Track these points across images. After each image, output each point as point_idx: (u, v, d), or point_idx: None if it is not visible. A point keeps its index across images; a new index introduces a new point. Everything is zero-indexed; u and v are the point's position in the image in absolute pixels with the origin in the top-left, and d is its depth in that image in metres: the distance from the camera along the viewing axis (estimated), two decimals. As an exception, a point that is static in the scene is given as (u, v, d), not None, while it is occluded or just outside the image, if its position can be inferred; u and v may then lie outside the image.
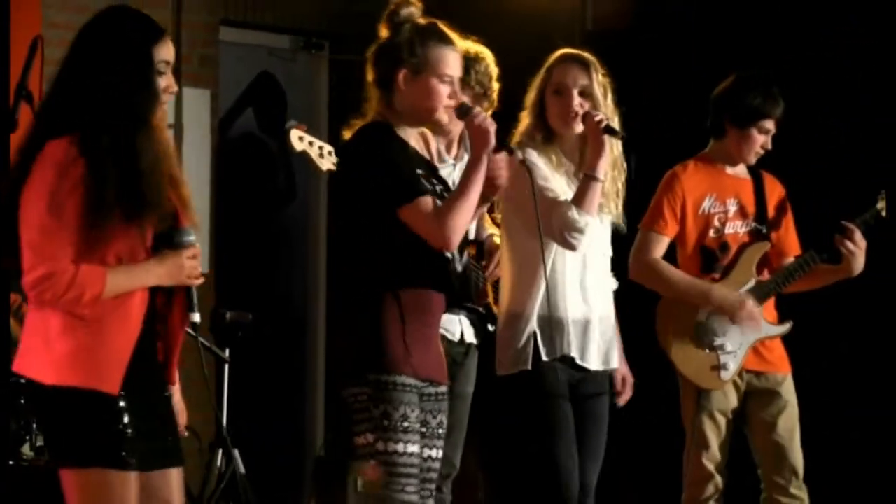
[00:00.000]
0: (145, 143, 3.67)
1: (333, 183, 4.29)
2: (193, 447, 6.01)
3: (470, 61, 5.13)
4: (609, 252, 4.87)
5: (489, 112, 5.19)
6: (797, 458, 5.32)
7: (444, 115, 4.24)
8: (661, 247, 5.30)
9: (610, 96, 4.77)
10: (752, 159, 5.38)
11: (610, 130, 4.66)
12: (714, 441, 5.29)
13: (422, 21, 4.22)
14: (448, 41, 4.20)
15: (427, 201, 4.08)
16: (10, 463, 5.44)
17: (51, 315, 3.65)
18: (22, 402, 5.58)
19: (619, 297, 4.99)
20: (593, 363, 4.78)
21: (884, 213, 5.33)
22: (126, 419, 3.66)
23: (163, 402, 3.83)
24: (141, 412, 3.70)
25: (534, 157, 4.73)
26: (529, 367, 4.68)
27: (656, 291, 5.36)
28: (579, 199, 4.63)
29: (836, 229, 5.26)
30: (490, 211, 5.09)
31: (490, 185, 4.22)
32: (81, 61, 3.70)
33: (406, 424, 4.09)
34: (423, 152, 4.36)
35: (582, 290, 4.76)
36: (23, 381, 3.71)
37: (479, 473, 5.43)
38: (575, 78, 4.74)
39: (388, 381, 4.10)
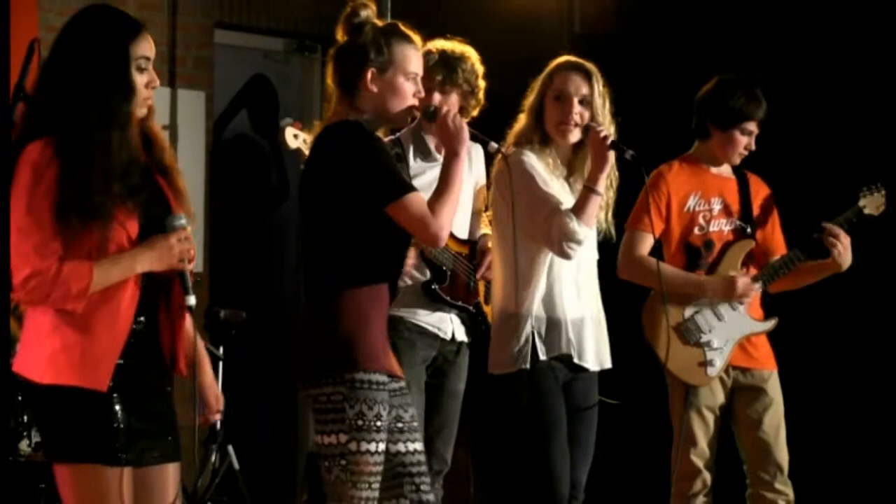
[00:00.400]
0: (119, 140, 3.66)
1: (305, 180, 4.19)
2: (188, 443, 6.04)
3: (456, 60, 5.20)
4: (596, 255, 4.92)
5: (476, 110, 5.27)
6: (782, 454, 5.35)
7: (407, 114, 4.24)
8: (647, 244, 5.33)
9: (608, 106, 4.80)
10: (737, 160, 5.41)
11: (617, 147, 4.67)
12: (702, 437, 5.31)
13: (380, 22, 4.24)
14: (411, 40, 4.22)
15: (418, 197, 4.09)
16: (9, 459, 5.48)
17: (41, 315, 3.66)
18: (20, 398, 5.66)
19: (608, 296, 5.02)
20: (590, 362, 4.82)
21: (866, 211, 5.35)
22: (118, 414, 3.67)
23: (161, 398, 3.83)
24: (135, 407, 3.71)
25: (533, 160, 4.77)
26: (528, 366, 4.71)
27: (646, 286, 5.38)
28: (579, 211, 4.66)
29: (817, 229, 5.29)
30: (487, 209, 5.15)
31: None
32: (60, 62, 3.71)
33: (379, 423, 4.07)
34: None
35: (577, 289, 4.81)
36: (20, 379, 3.71)
37: (470, 470, 5.45)
38: (577, 86, 4.78)
39: (364, 380, 4.07)
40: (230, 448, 6.44)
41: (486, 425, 5.29)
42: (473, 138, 4.34)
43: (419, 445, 4.22)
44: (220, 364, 6.48)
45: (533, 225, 4.66)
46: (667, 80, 6.66)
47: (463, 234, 5.37)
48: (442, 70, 5.21)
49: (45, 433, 3.76)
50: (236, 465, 6.43)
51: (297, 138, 5.25)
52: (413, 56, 4.21)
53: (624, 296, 5.35)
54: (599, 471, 5.00)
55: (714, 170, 5.45)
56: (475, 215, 5.39)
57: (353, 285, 4.08)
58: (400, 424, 4.18)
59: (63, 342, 3.64)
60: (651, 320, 5.39)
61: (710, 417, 5.34)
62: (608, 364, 4.89)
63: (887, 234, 5.88)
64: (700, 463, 5.32)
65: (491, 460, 5.05)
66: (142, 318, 3.74)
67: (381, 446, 4.08)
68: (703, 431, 5.32)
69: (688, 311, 5.34)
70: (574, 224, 4.64)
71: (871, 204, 5.37)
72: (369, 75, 4.15)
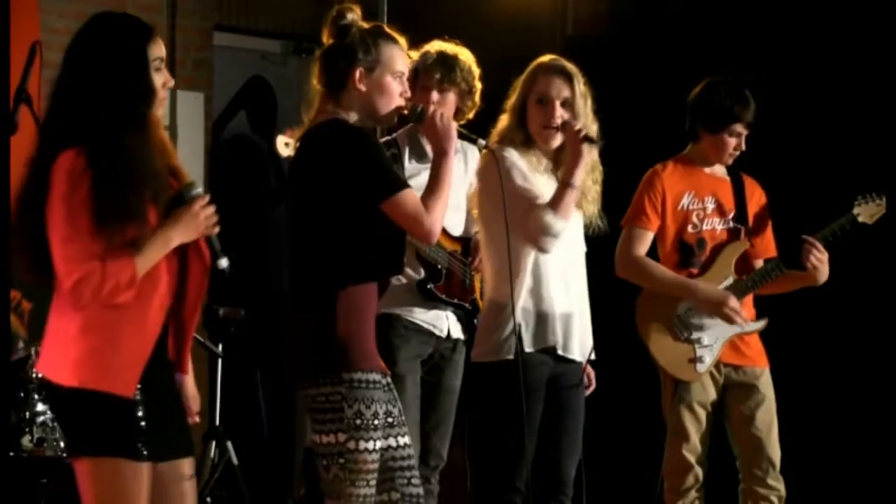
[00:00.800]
0: (146, 143, 3.74)
1: (294, 180, 4.24)
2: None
3: (453, 60, 5.25)
4: (583, 247, 4.96)
5: (472, 111, 5.32)
6: (774, 450, 5.37)
7: (395, 113, 4.29)
8: (644, 242, 5.36)
9: (590, 104, 4.84)
10: (728, 160, 5.44)
11: (588, 140, 4.73)
12: (693, 432, 5.33)
13: (366, 24, 4.28)
14: (396, 40, 4.27)
15: (412, 195, 4.13)
16: (10, 454, 5.54)
17: (71, 318, 3.71)
18: (22, 395, 5.71)
19: (600, 291, 5.06)
20: (576, 354, 4.85)
21: (860, 219, 5.36)
22: (140, 413, 3.73)
23: (174, 394, 3.90)
24: (154, 405, 3.76)
25: (514, 156, 4.82)
26: (512, 357, 4.73)
27: (642, 286, 5.40)
28: (555, 205, 4.71)
29: (798, 241, 5.31)
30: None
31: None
32: (80, 69, 3.75)
33: (377, 422, 4.11)
34: None
35: (565, 282, 4.84)
36: (40, 376, 3.78)
37: (466, 465, 5.48)
38: (559, 90, 4.82)
39: (362, 380, 4.11)
40: (229, 444, 6.47)
41: (478, 420, 5.29)
42: (461, 137, 4.39)
43: (408, 439, 4.26)
44: (219, 361, 6.53)
45: (512, 219, 4.69)
46: (659, 81, 6.66)
47: (457, 231, 5.42)
48: (440, 69, 5.25)
49: (68, 431, 3.81)
50: (235, 461, 6.46)
51: (289, 146, 5.27)
52: (399, 56, 4.26)
53: (617, 290, 5.38)
54: (591, 465, 5.01)
55: (707, 170, 5.47)
56: (470, 213, 5.42)
57: (349, 284, 4.12)
58: (390, 419, 4.22)
59: (91, 347, 3.69)
60: (644, 315, 5.41)
61: (702, 413, 5.35)
62: (592, 356, 4.92)
63: (879, 236, 5.90)
64: (692, 458, 5.33)
65: (484, 454, 5.05)
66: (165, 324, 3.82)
67: (378, 444, 4.13)
68: (694, 427, 5.33)
69: (681, 307, 5.36)
70: (550, 217, 4.68)
71: (866, 212, 5.36)
72: (357, 74, 4.19)
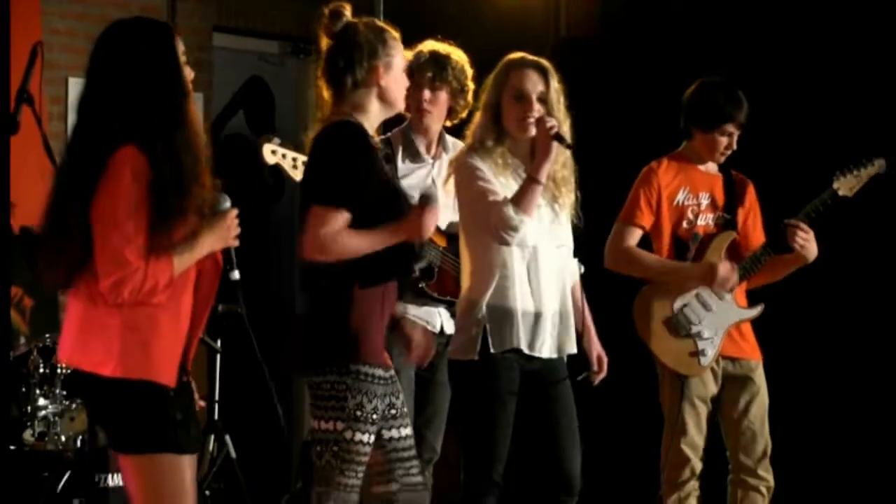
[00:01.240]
0: (191, 141, 3.83)
1: (304, 178, 4.41)
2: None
3: (446, 59, 5.30)
4: (569, 244, 4.88)
5: (465, 111, 5.33)
6: (766, 441, 5.41)
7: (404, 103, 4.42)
8: (634, 237, 5.40)
9: (563, 101, 4.80)
10: (720, 159, 5.48)
11: (559, 138, 4.68)
12: (693, 427, 5.37)
13: (360, 20, 4.35)
14: (394, 35, 4.36)
15: (340, 215, 4.16)
16: (12, 448, 5.58)
17: (111, 311, 3.77)
18: (23, 389, 5.77)
19: (598, 286, 5.06)
20: (545, 353, 4.77)
21: (841, 193, 5.38)
22: (178, 405, 3.83)
23: (190, 389, 3.97)
24: (182, 398, 3.86)
25: (476, 161, 4.75)
26: (477, 358, 4.69)
27: (632, 276, 5.44)
28: (518, 199, 4.64)
29: (781, 226, 5.35)
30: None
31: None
32: (117, 73, 3.80)
33: (374, 416, 4.20)
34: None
35: (531, 283, 4.76)
36: (67, 370, 3.83)
37: (459, 457, 5.53)
38: (535, 84, 4.75)
39: (367, 373, 4.20)
40: (227, 437, 6.52)
41: (454, 416, 5.34)
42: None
43: (409, 430, 4.35)
44: (218, 356, 6.59)
45: (477, 220, 4.71)
46: (650, 82, 6.68)
47: (442, 225, 5.45)
48: (432, 67, 5.29)
49: (112, 425, 3.88)
50: (233, 454, 6.51)
51: (276, 154, 5.25)
52: (401, 48, 4.37)
53: (615, 285, 5.43)
54: (588, 460, 4.96)
55: (701, 167, 5.52)
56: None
57: (364, 282, 4.21)
58: (393, 411, 4.31)
59: (136, 338, 3.77)
60: (642, 314, 5.44)
61: (703, 408, 5.39)
62: (571, 351, 4.85)
63: (875, 225, 5.95)
64: (690, 452, 5.37)
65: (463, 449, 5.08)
66: None
67: (372, 438, 4.22)
68: (694, 422, 5.37)
69: (677, 304, 5.40)
70: (510, 211, 4.62)
71: (845, 186, 5.39)
72: (381, 69, 4.28)
